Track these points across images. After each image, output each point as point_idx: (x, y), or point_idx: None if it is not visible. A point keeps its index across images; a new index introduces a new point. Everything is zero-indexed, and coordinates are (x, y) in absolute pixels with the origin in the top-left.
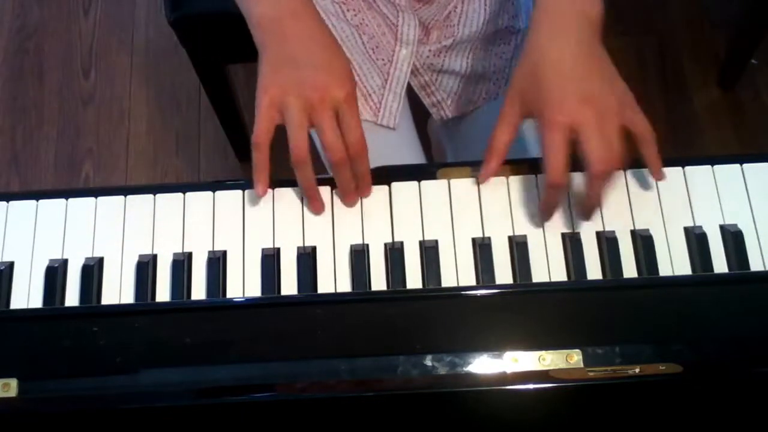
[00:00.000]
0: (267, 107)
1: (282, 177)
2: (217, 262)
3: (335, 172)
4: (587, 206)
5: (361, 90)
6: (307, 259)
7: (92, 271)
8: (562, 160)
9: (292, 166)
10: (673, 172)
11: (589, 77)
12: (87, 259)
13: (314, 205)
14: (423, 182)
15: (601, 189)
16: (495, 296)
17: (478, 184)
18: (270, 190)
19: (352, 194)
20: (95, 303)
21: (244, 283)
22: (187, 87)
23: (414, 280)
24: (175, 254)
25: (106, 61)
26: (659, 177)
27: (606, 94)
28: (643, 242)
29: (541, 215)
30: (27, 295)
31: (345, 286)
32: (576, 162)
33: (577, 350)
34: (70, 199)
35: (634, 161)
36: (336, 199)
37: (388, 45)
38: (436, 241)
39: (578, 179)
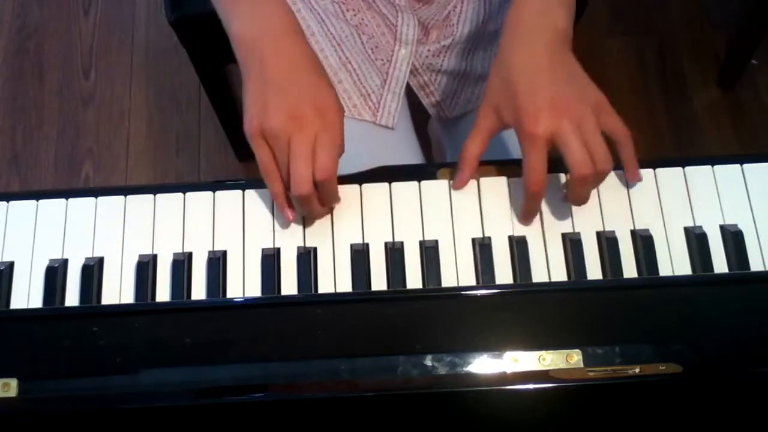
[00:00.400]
0: (255, 139)
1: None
2: (217, 262)
3: (298, 203)
4: (574, 201)
5: (360, 90)
6: (307, 259)
7: (92, 271)
8: (540, 171)
9: (291, 194)
10: (673, 172)
11: (560, 86)
12: (87, 259)
13: (287, 217)
14: (423, 182)
15: (585, 193)
16: (495, 296)
17: (454, 188)
18: None
19: (314, 218)
20: (95, 303)
21: (244, 283)
22: (187, 87)
23: (414, 280)
24: (175, 254)
25: (106, 61)
26: (634, 178)
27: (578, 101)
28: (643, 242)
29: (522, 221)
30: (27, 295)
31: (345, 286)
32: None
33: (577, 350)
34: (70, 199)
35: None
36: None
37: (388, 45)
38: (436, 241)
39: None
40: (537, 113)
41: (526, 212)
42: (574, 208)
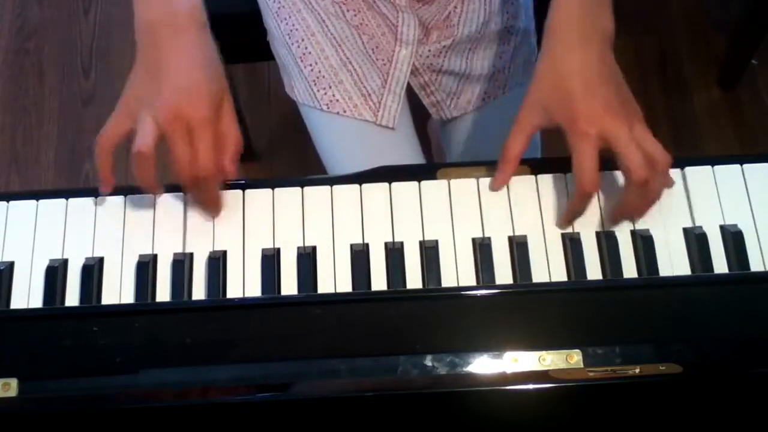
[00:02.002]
0: (119, 113)
1: (280, 177)
2: (217, 262)
3: (185, 188)
4: (624, 214)
5: (360, 90)
6: (307, 259)
7: (92, 271)
8: (594, 170)
9: (132, 156)
10: (673, 173)
11: (610, 88)
12: (87, 259)
13: (148, 190)
14: (423, 182)
15: (644, 205)
16: (495, 296)
17: (491, 188)
18: (270, 191)
19: (204, 209)
20: (95, 303)
21: (244, 283)
22: None
23: (414, 280)
24: (175, 254)
25: (106, 61)
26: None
27: (629, 106)
28: (643, 242)
29: (565, 219)
30: (27, 295)
31: (345, 286)
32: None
33: (577, 350)
34: (70, 199)
35: None
36: (336, 200)
37: (388, 45)
38: (436, 241)
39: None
40: (592, 113)
41: (571, 213)
42: (609, 212)
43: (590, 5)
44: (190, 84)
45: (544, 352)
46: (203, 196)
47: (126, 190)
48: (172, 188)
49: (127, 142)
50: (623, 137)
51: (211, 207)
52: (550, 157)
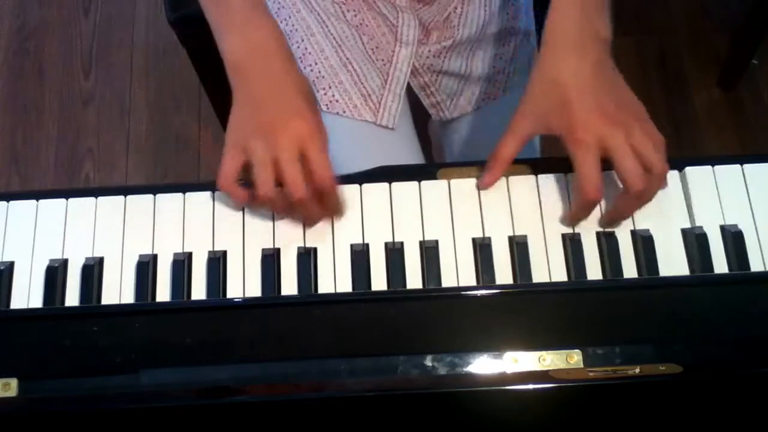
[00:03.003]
0: (231, 151)
1: None
2: (217, 262)
3: (297, 208)
4: (616, 219)
5: (360, 90)
6: (307, 259)
7: (92, 271)
8: (597, 178)
9: (260, 203)
10: (673, 173)
11: (608, 95)
12: (87, 259)
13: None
14: (423, 182)
15: (636, 207)
16: (495, 296)
17: (478, 188)
18: None
19: (316, 223)
20: (95, 303)
21: (244, 283)
22: (187, 87)
23: (414, 280)
24: (175, 254)
25: (106, 61)
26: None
27: (627, 111)
28: (643, 242)
29: (568, 223)
30: (27, 295)
31: (345, 286)
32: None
33: (577, 350)
34: (70, 199)
35: None
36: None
37: (388, 45)
38: (436, 241)
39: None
40: (588, 121)
41: (574, 218)
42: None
43: (587, 13)
44: (291, 101)
45: (544, 352)
46: (315, 212)
47: (126, 190)
48: (169, 188)
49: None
50: (620, 146)
51: (335, 215)
52: (550, 157)
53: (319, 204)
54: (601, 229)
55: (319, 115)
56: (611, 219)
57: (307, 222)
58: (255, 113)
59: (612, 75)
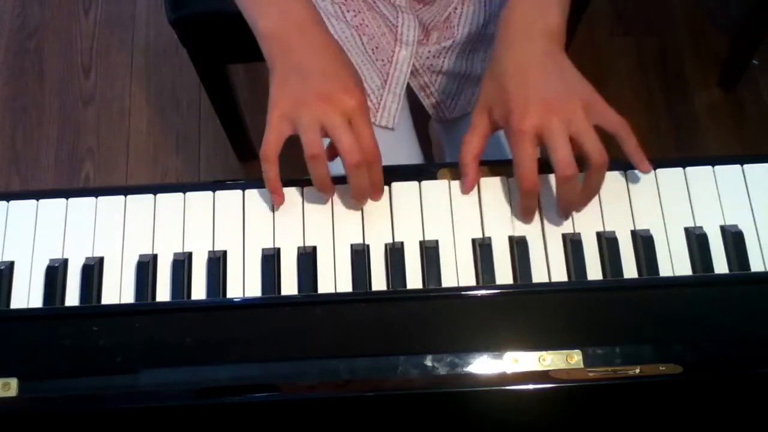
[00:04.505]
0: (278, 120)
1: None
2: (217, 262)
3: (351, 175)
4: (561, 208)
5: None
6: (307, 259)
7: (92, 271)
8: (531, 168)
9: (307, 161)
10: (673, 173)
11: (550, 84)
12: (87, 259)
13: (326, 197)
14: (423, 182)
15: (571, 192)
16: (495, 296)
17: (464, 192)
18: None
19: (363, 198)
20: (95, 303)
21: (244, 283)
22: (187, 87)
23: (414, 280)
24: (175, 254)
25: (106, 61)
26: (645, 169)
27: (568, 97)
28: (643, 242)
29: (522, 218)
30: (27, 295)
31: (345, 286)
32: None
33: (578, 351)
34: (70, 199)
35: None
36: (336, 199)
37: (388, 46)
38: (437, 241)
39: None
40: (524, 110)
41: (523, 210)
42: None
43: (536, 5)
44: (338, 73)
45: (544, 353)
46: (367, 181)
47: (126, 190)
48: (169, 188)
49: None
50: (554, 132)
51: (376, 191)
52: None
53: (368, 174)
54: (601, 229)
55: (363, 86)
56: (560, 211)
57: (356, 194)
58: (302, 83)
59: (560, 64)
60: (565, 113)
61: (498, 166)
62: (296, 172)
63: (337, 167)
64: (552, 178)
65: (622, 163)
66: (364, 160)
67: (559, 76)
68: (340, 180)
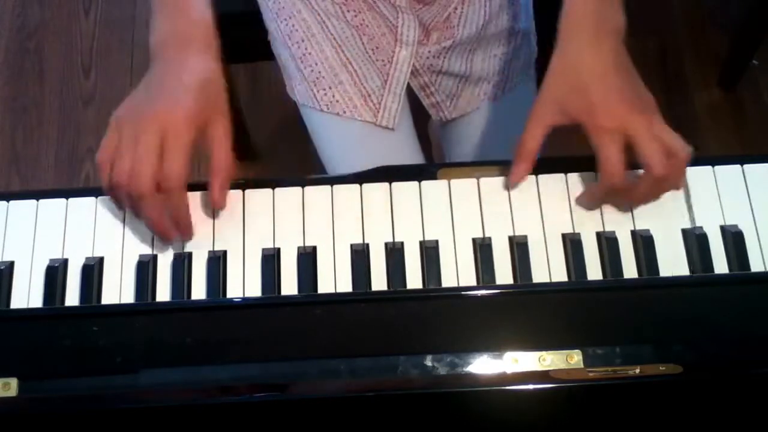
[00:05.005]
0: (112, 129)
1: (280, 177)
2: (217, 262)
3: (137, 205)
4: (636, 203)
5: (360, 90)
6: (307, 259)
7: (92, 271)
8: (619, 164)
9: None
10: None
11: (626, 82)
12: (87, 258)
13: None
14: (423, 182)
15: (660, 192)
16: (495, 296)
17: (508, 186)
18: (270, 191)
19: (162, 230)
20: (95, 303)
21: (244, 283)
22: None
23: (414, 280)
24: (175, 254)
25: (106, 61)
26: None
27: (643, 97)
28: (643, 242)
29: (588, 201)
30: (27, 295)
31: (345, 286)
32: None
33: (578, 351)
34: (70, 199)
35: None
36: (336, 199)
37: (388, 46)
38: (437, 241)
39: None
40: (610, 108)
41: (594, 199)
42: (574, 209)
43: (603, 3)
44: (175, 98)
45: (544, 353)
46: (156, 213)
47: None
48: None
49: None
50: (643, 131)
51: (182, 225)
52: (551, 157)
53: (166, 205)
54: (601, 229)
55: (213, 114)
56: (635, 204)
57: (152, 228)
58: (143, 96)
59: (629, 65)
60: (645, 113)
61: (501, 166)
62: (292, 171)
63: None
64: (552, 178)
65: None
66: (147, 192)
67: (633, 77)
68: (340, 180)
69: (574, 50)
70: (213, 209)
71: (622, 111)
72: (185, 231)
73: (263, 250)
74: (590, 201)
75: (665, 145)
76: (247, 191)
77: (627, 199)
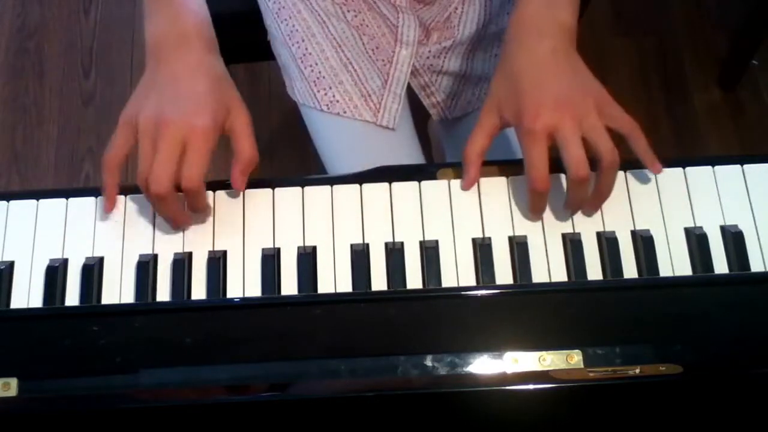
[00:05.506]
0: (123, 127)
1: (280, 177)
2: (217, 262)
3: (154, 204)
4: (571, 207)
5: (360, 90)
6: (307, 259)
7: (92, 271)
8: (543, 168)
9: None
10: (673, 173)
11: (562, 83)
12: (87, 258)
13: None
14: (423, 182)
15: (582, 192)
16: (495, 296)
17: (463, 189)
18: (270, 191)
19: (179, 225)
20: (95, 303)
21: (244, 283)
22: None
23: (414, 280)
24: (175, 254)
25: (106, 61)
26: (656, 170)
27: (581, 97)
28: (643, 242)
29: (531, 217)
30: (27, 295)
31: (345, 286)
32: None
33: (578, 351)
34: (70, 199)
35: (633, 161)
36: (336, 198)
37: (389, 46)
38: (437, 241)
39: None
40: (537, 109)
41: (532, 208)
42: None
43: (545, 1)
44: (194, 101)
45: (544, 353)
46: (172, 213)
47: (126, 190)
48: None
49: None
50: (567, 132)
51: (172, 223)
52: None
53: (188, 205)
54: (601, 229)
55: (228, 107)
56: (571, 208)
57: (171, 223)
58: (157, 96)
59: (572, 63)
60: (578, 113)
61: (501, 166)
62: (292, 171)
63: (338, 168)
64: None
65: (622, 163)
66: (167, 193)
67: (572, 75)
68: (340, 180)
69: (512, 51)
70: (213, 209)
71: (550, 114)
72: (179, 228)
73: (263, 250)
74: (531, 212)
75: (593, 149)
76: (247, 191)
77: (564, 207)
